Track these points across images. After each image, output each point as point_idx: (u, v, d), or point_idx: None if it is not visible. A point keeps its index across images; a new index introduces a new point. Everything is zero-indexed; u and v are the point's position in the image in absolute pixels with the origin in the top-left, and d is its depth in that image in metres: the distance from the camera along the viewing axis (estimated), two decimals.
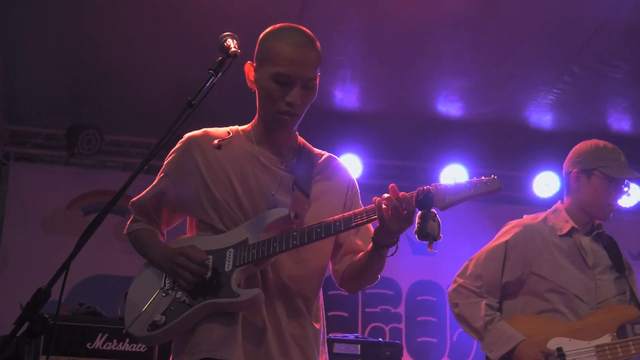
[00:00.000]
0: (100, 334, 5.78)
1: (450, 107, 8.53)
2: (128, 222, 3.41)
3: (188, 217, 3.34)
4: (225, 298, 3.02)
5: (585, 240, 4.58)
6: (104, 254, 7.98)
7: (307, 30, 3.20)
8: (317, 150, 3.40)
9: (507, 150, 9.07)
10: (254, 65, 3.21)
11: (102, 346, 5.77)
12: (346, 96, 8.39)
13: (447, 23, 7.22)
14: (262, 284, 3.11)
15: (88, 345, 5.76)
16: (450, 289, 4.63)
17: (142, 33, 7.30)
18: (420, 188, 2.91)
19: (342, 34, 7.26)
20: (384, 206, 2.93)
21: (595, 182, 4.55)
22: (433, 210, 2.87)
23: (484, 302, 4.45)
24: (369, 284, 3.36)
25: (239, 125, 3.38)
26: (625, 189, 4.63)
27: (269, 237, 3.07)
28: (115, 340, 5.75)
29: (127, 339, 5.73)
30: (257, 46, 3.24)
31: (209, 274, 3.07)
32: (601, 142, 4.64)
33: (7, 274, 8.40)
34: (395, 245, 3.09)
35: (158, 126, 8.57)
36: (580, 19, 7.11)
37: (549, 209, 4.76)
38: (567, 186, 4.69)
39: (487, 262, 4.57)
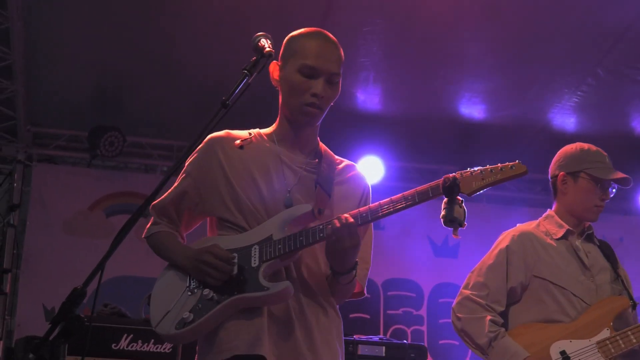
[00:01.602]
0: (125, 335, 5.80)
1: (473, 110, 8.50)
2: (147, 226, 3.42)
3: (208, 218, 3.37)
4: (254, 292, 3.04)
5: (578, 242, 4.58)
6: (127, 255, 7.93)
7: (331, 35, 3.30)
8: (337, 157, 3.44)
9: (530, 152, 9.01)
10: (279, 64, 3.29)
11: (127, 347, 5.79)
12: (368, 98, 8.38)
13: (470, 26, 7.21)
14: (287, 279, 3.13)
15: (113, 345, 5.77)
16: (455, 302, 4.59)
17: (166, 35, 7.30)
18: (447, 175, 2.94)
19: (365, 36, 7.25)
20: (329, 226, 2.99)
21: (582, 184, 4.55)
22: (459, 197, 2.90)
23: (488, 317, 4.41)
24: (339, 302, 3.36)
25: (260, 128, 3.43)
26: (614, 190, 4.61)
27: (293, 232, 3.09)
28: (140, 341, 5.78)
29: (152, 340, 5.75)
30: (282, 47, 3.31)
31: (235, 271, 3.08)
32: (585, 145, 4.65)
33: (29, 275, 8.42)
34: (352, 274, 3.13)
35: (179, 128, 8.64)
36: (605, 23, 7.08)
37: (540, 217, 4.75)
38: (554, 190, 4.69)
39: (490, 270, 4.54)
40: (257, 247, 3.10)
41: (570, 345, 4.30)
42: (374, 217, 3.03)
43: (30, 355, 2.49)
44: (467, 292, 4.54)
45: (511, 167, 2.98)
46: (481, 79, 8.07)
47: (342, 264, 3.09)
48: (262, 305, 3.07)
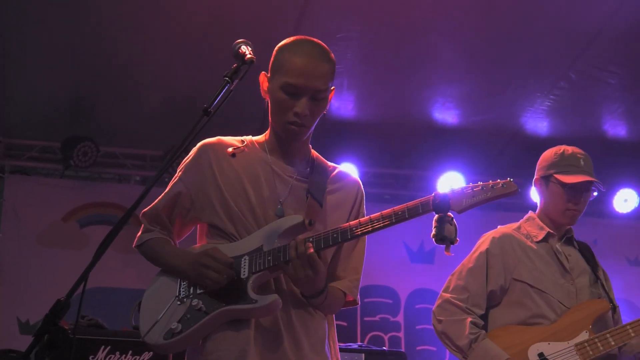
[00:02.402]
0: (103, 346, 5.75)
1: (446, 115, 8.54)
2: (138, 234, 3.38)
3: (199, 226, 3.34)
4: (243, 304, 3.02)
5: (559, 245, 4.60)
6: (103, 266, 7.88)
7: (322, 43, 3.22)
8: (330, 164, 3.42)
9: (504, 157, 9.08)
10: (268, 75, 3.24)
11: (105, 358, 5.74)
12: (342, 105, 8.38)
13: (444, 31, 7.23)
14: (276, 290, 3.12)
15: (91, 357, 5.72)
16: (435, 305, 4.59)
17: (138, 46, 7.29)
18: (437, 192, 2.93)
19: (338, 42, 7.25)
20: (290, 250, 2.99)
21: (552, 188, 4.58)
22: (450, 214, 2.88)
23: (469, 319, 4.42)
24: (328, 314, 3.37)
25: (252, 135, 3.41)
26: (595, 193, 4.63)
27: (284, 244, 3.06)
28: (118, 352, 5.72)
29: (130, 351, 5.70)
30: (272, 57, 3.26)
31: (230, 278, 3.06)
32: (562, 148, 4.66)
33: (3, 287, 8.33)
34: (321, 299, 3.13)
35: (153, 138, 8.60)
36: (577, 26, 7.13)
37: (522, 219, 4.77)
38: (537, 194, 4.73)
39: (470, 273, 4.55)
40: (247, 257, 3.09)
41: (548, 348, 4.31)
42: (344, 238, 3.05)
43: None
44: (447, 295, 4.54)
45: (502, 185, 2.98)
46: (454, 84, 8.10)
47: (306, 288, 3.10)
48: (250, 317, 3.06)
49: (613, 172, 8.77)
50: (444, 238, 2.84)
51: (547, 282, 4.46)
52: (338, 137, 8.59)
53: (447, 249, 2.88)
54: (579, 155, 4.62)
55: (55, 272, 8.27)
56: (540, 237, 4.58)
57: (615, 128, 8.75)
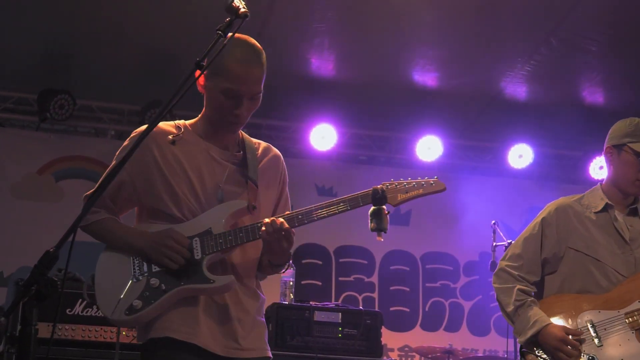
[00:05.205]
0: (80, 300, 5.75)
1: (426, 78, 8.55)
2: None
3: (138, 206, 3.53)
4: (201, 284, 3.29)
5: (621, 216, 4.60)
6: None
7: (255, 44, 3.38)
8: (255, 140, 3.63)
9: (482, 121, 9.11)
10: (205, 73, 3.31)
11: (82, 312, 5.75)
12: (323, 65, 8.36)
13: None
14: (222, 268, 3.38)
15: (68, 311, 5.72)
16: (493, 274, 4.70)
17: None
18: (375, 187, 3.27)
19: (320, 1, 7.22)
20: (264, 228, 3.27)
21: (624, 157, 4.54)
22: (384, 207, 3.23)
23: (517, 287, 4.49)
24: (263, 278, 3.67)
25: (185, 120, 3.59)
26: None
27: (230, 226, 3.36)
28: (95, 307, 5.73)
29: None
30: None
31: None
32: (636, 119, 4.65)
33: None
34: (288, 265, 3.50)
35: (131, 92, 8.53)
36: None
37: (588, 190, 4.79)
38: (606, 163, 4.72)
39: (526, 241, 4.61)
40: (197, 239, 3.33)
41: (598, 315, 4.33)
42: (309, 220, 3.33)
43: (1, 319, 2.44)
44: (504, 263, 4.63)
45: (431, 183, 3.32)
46: (435, 46, 8.10)
47: (279, 258, 3.40)
48: (207, 295, 3.32)
49: (589, 140, 8.87)
50: (382, 229, 3.21)
51: (603, 251, 4.47)
52: (317, 96, 8.58)
53: (379, 235, 3.23)
54: None
55: (30, 225, 8.23)
56: (599, 208, 4.58)
57: (593, 95, 8.80)
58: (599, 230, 4.54)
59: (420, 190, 3.31)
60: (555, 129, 9.12)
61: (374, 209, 3.25)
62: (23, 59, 8.08)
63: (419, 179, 3.32)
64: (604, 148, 4.65)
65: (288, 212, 3.39)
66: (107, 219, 3.45)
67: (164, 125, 3.50)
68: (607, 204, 4.56)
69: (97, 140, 9.04)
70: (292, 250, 3.41)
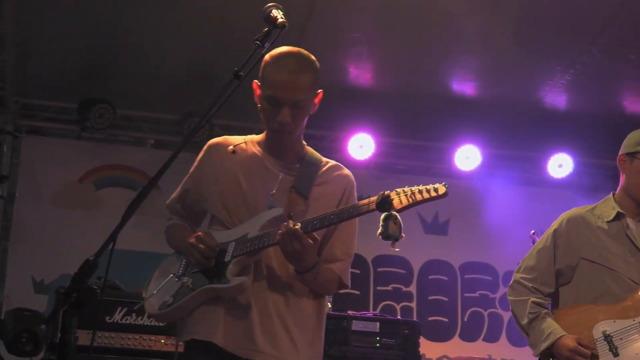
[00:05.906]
0: (120, 307, 5.79)
1: (465, 87, 8.50)
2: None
3: (210, 214, 3.74)
4: (218, 284, 3.43)
5: (633, 224, 4.56)
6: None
7: (304, 54, 3.50)
8: (324, 159, 3.74)
9: (521, 130, 9.04)
10: (258, 84, 3.54)
11: (121, 319, 5.79)
12: (361, 73, 8.36)
13: (465, 2, 7.18)
14: (255, 271, 3.48)
15: (107, 318, 5.77)
16: (508, 286, 4.71)
17: (160, 7, 7.24)
18: (381, 193, 3.23)
19: (359, 11, 7.22)
20: (280, 231, 3.32)
21: (636, 165, 4.52)
22: (394, 212, 3.17)
23: (530, 299, 4.52)
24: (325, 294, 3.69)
25: (256, 135, 3.76)
26: None
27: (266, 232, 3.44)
28: (134, 314, 5.77)
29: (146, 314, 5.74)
30: (261, 66, 3.48)
31: (214, 262, 3.46)
32: None
33: (18, 247, 8.42)
34: (314, 273, 3.42)
35: (171, 102, 8.59)
36: (599, 1, 7.07)
37: (601, 199, 4.76)
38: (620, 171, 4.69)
39: (539, 253, 4.64)
40: (233, 243, 3.48)
41: (613, 325, 4.32)
42: (322, 225, 3.35)
43: (42, 327, 2.47)
44: (518, 275, 4.66)
45: (434, 189, 3.23)
46: (474, 55, 8.05)
47: (297, 264, 3.40)
48: (225, 295, 3.43)
49: None
50: (389, 236, 3.14)
51: (617, 260, 4.46)
52: (355, 106, 8.57)
53: (392, 244, 3.16)
54: None
55: (70, 233, 8.32)
56: (611, 217, 4.57)
57: (634, 105, 8.71)
58: (611, 239, 4.51)
59: (424, 195, 3.24)
60: (595, 138, 9.04)
61: (382, 217, 3.21)
62: (64, 69, 8.15)
63: (421, 185, 3.26)
64: (617, 156, 4.62)
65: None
66: (174, 224, 3.78)
67: (233, 138, 3.72)
68: (618, 212, 4.54)
69: (136, 149, 9.13)
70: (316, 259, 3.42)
